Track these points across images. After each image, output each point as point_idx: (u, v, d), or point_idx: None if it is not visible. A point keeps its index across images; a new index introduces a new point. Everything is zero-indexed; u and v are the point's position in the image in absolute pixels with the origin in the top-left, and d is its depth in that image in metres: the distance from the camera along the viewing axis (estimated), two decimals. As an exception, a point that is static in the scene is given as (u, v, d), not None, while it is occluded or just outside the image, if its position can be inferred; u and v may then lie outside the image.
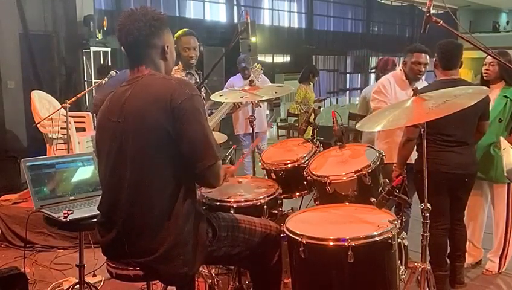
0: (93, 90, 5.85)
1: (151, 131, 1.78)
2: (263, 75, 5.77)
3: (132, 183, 1.81)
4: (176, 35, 3.46)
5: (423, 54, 3.40)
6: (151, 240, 1.81)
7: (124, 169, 1.82)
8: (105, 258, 1.97)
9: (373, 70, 4.99)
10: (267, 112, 7.19)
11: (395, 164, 3.10)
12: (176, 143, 1.78)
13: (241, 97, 2.87)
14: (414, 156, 3.19)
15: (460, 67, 3.10)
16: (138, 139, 1.79)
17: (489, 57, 3.32)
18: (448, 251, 3.19)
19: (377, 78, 4.65)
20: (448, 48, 3.01)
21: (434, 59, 3.09)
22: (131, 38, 1.86)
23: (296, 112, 7.63)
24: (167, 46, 1.93)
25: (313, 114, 3.11)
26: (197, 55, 3.47)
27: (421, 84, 3.46)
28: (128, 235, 1.83)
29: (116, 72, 4.12)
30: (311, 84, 7.20)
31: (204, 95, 3.45)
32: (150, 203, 1.80)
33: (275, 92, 2.96)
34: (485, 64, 3.38)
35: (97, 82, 4.99)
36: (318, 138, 2.98)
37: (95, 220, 2.02)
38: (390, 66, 4.52)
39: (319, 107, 3.21)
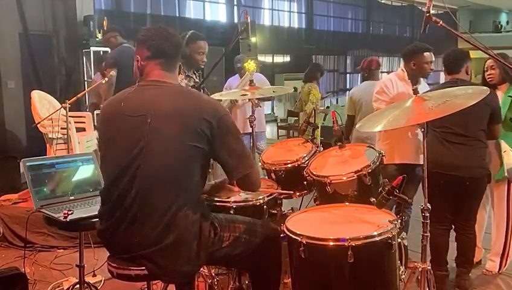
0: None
1: (188, 134, 1.86)
2: (260, 74, 5.74)
3: (144, 181, 1.84)
4: (192, 35, 3.44)
5: (431, 53, 3.43)
6: (158, 235, 1.83)
7: (137, 166, 1.85)
8: (106, 257, 1.97)
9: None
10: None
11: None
12: (205, 150, 1.89)
13: (242, 95, 2.87)
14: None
15: (467, 73, 3.13)
16: (168, 138, 1.85)
17: (489, 60, 3.34)
18: (455, 254, 3.21)
19: (363, 79, 4.66)
20: (449, 55, 3.20)
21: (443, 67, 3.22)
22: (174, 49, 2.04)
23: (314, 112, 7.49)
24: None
25: (313, 114, 3.12)
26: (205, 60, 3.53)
27: (422, 83, 3.47)
28: (135, 231, 1.85)
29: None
30: (317, 83, 6.94)
31: None
32: (161, 201, 1.84)
33: (273, 92, 2.97)
34: (487, 70, 3.39)
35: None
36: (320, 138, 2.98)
37: (96, 220, 2.02)
38: (374, 66, 4.53)
39: (327, 107, 3.23)
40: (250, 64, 4.51)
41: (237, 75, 5.65)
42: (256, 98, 3.15)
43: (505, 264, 3.46)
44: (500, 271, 3.47)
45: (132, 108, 1.92)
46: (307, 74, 6.73)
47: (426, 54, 3.38)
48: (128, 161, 1.87)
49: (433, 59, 3.45)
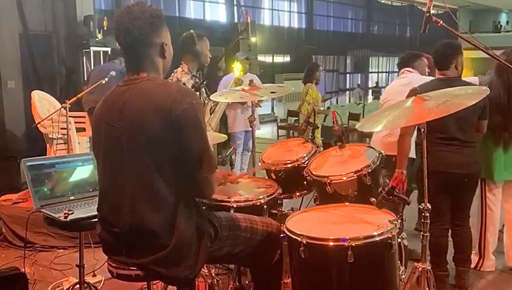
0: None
1: (150, 137, 1.77)
2: (249, 74, 5.72)
3: (132, 187, 1.80)
4: (199, 34, 3.48)
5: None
6: (152, 243, 1.80)
7: (123, 173, 1.81)
8: (106, 258, 1.97)
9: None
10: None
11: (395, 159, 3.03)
12: (174, 150, 1.77)
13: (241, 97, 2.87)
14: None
15: (456, 68, 3.10)
16: (137, 145, 1.78)
17: None
18: (453, 254, 3.20)
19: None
20: (438, 49, 3.11)
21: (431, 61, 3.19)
22: (130, 38, 1.82)
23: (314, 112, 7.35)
24: (165, 44, 1.90)
25: (313, 114, 3.12)
26: None
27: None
28: (129, 239, 1.83)
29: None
30: (317, 83, 6.70)
31: (205, 95, 3.46)
32: (151, 207, 1.79)
33: (272, 92, 2.97)
34: None
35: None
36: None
37: (96, 220, 2.01)
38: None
39: (328, 108, 3.22)
40: (238, 68, 4.42)
41: (232, 74, 5.65)
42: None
43: (481, 263, 3.49)
44: (476, 268, 3.48)
45: (110, 114, 1.85)
46: (304, 75, 6.70)
47: None
48: (114, 173, 1.84)
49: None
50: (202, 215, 1.95)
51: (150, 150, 1.77)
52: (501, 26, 24.09)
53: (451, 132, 2.97)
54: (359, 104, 13.07)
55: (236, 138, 5.59)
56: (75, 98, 4.07)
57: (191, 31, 3.49)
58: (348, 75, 19.32)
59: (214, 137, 2.92)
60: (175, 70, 3.42)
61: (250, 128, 3.24)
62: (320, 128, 5.92)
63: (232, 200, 2.40)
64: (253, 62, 7.56)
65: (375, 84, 20.45)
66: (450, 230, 3.20)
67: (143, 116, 1.77)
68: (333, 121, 2.77)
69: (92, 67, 7.24)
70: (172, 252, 1.79)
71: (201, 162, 1.80)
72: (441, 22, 2.07)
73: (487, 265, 3.51)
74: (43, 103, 5.35)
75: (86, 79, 6.32)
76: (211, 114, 3.45)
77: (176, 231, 1.80)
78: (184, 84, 3.24)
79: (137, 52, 1.86)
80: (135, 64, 1.88)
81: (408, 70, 3.87)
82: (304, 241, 1.93)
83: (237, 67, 4.49)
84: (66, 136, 4.67)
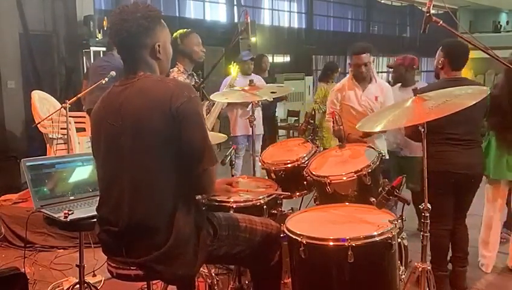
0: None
1: (150, 134, 1.77)
2: (257, 76, 5.62)
3: (132, 185, 1.81)
4: (184, 32, 3.45)
5: (361, 55, 3.59)
6: (152, 240, 1.80)
7: (123, 171, 1.82)
8: (106, 257, 1.97)
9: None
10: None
11: None
12: (175, 145, 1.77)
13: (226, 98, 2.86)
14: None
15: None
16: (138, 142, 1.79)
17: None
18: (450, 253, 3.20)
19: (396, 80, 4.24)
20: (457, 48, 2.99)
21: (439, 60, 3.01)
22: (119, 38, 1.83)
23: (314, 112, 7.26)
24: (158, 45, 1.87)
25: (313, 114, 3.12)
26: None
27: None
28: (129, 237, 1.83)
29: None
30: (332, 82, 6.40)
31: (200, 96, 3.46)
32: (151, 204, 1.80)
33: (272, 92, 2.97)
34: None
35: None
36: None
37: (95, 220, 2.01)
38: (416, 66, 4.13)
39: None
40: (234, 69, 4.36)
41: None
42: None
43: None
44: None
45: (109, 113, 1.86)
46: (321, 74, 6.59)
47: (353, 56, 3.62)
48: (113, 172, 1.85)
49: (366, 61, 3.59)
50: (201, 213, 1.95)
51: (150, 147, 1.78)
52: (501, 26, 24.04)
53: (461, 132, 2.96)
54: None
55: (238, 142, 5.43)
56: (75, 98, 4.07)
57: (177, 33, 3.45)
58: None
59: (212, 137, 2.92)
60: (171, 70, 3.41)
61: (252, 131, 3.22)
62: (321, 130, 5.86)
63: (232, 200, 2.40)
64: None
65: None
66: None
67: (142, 113, 1.77)
68: (333, 121, 2.78)
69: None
70: (171, 249, 1.80)
71: (202, 154, 1.79)
72: (441, 22, 2.07)
73: (482, 262, 3.52)
74: (43, 103, 5.35)
75: (85, 73, 6.30)
76: (206, 114, 3.44)
77: (175, 228, 1.80)
78: None
79: (130, 52, 1.87)
80: (130, 63, 1.89)
81: None
82: (304, 241, 1.93)
83: (233, 68, 4.43)
84: (66, 136, 4.66)
